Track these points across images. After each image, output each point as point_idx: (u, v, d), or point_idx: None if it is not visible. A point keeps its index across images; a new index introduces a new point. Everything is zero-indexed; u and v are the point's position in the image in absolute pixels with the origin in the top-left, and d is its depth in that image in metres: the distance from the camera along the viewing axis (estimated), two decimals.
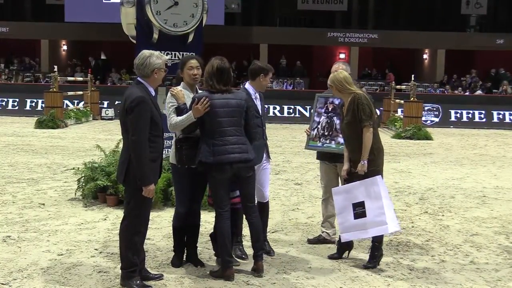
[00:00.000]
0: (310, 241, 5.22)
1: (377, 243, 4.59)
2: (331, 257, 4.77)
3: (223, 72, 4.18)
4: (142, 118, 3.80)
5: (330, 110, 5.00)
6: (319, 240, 5.19)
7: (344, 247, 4.78)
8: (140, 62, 3.94)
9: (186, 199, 4.39)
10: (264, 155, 4.74)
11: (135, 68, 3.98)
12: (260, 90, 4.73)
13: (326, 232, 5.19)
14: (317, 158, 5.23)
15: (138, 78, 4.00)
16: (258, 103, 4.69)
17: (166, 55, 6.59)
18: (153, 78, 3.96)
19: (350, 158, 4.61)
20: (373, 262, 4.58)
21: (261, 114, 4.72)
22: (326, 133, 4.99)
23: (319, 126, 5.02)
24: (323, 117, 5.00)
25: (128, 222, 3.95)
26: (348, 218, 4.50)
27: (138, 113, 3.78)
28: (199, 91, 4.40)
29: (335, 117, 4.94)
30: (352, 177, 4.57)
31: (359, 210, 4.45)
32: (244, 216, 4.52)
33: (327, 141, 4.98)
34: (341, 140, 4.86)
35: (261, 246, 4.35)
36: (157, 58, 3.95)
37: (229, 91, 4.20)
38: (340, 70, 4.73)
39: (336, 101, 4.96)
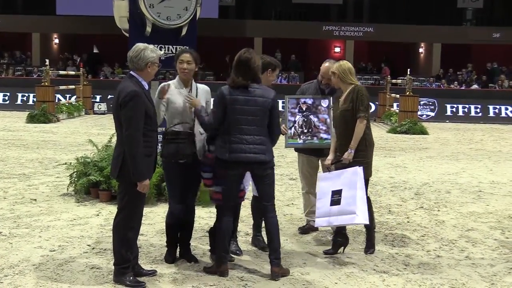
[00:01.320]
0: (301, 230, 5.37)
1: (374, 230, 4.80)
2: (326, 252, 4.76)
3: (242, 65, 4.07)
4: (136, 112, 3.75)
5: (304, 110, 5.07)
6: (308, 228, 5.35)
7: (339, 243, 4.77)
8: (134, 55, 3.89)
9: (179, 194, 4.35)
10: None
11: (129, 60, 3.93)
12: (266, 84, 4.66)
13: (312, 220, 5.27)
14: (296, 151, 5.30)
15: (131, 72, 3.94)
16: None
17: (160, 49, 6.53)
18: (146, 71, 3.92)
19: (337, 148, 4.67)
20: (372, 246, 4.77)
21: None
22: (305, 131, 5.07)
23: (296, 125, 5.08)
24: (298, 116, 5.06)
25: (122, 218, 3.91)
26: (325, 204, 4.53)
27: (132, 108, 3.73)
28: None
29: (311, 116, 5.03)
30: (337, 165, 4.63)
31: (336, 197, 4.47)
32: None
33: (309, 138, 5.07)
34: (323, 135, 4.97)
35: (275, 248, 4.17)
36: (152, 51, 3.90)
37: (253, 86, 4.07)
38: (345, 61, 4.77)
39: (309, 101, 5.04)
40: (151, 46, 3.95)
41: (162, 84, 4.41)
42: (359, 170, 4.44)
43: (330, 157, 4.74)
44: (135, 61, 3.89)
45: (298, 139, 5.09)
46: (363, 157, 4.58)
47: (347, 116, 4.55)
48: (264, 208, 4.29)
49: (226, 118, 4.05)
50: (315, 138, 5.05)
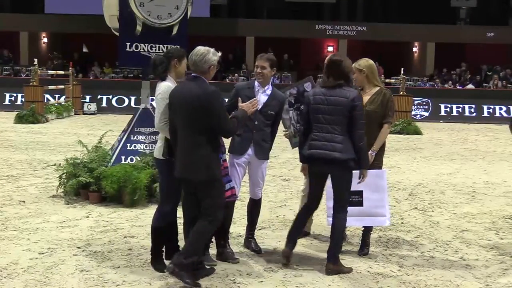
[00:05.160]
0: None
1: (370, 232, 4.84)
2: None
3: (333, 66, 4.26)
4: (224, 107, 4.04)
5: (293, 102, 4.93)
6: (302, 234, 5.10)
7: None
8: (199, 59, 4.00)
9: (173, 195, 4.28)
10: (253, 152, 4.62)
11: (192, 64, 4.03)
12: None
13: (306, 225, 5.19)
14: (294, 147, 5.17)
15: (193, 74, 4.03)
16: (259, 96, 4.60)
17: (150, 48, 6.46)
18: (209, 74, 4.07)
19: None
20: (366, 249, 4.77)
21: (262, 109, 4.62)
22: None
23: (293, 122, 4.95)
24: (291, 111, 4.93)
25: (210, 221, 3.95)
26: None
27: (222, 104, 3.99)
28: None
29: (302, 106, 4.80)
30: None
31: (355, 198, 4.52)
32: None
33: None
34: None
35: (334, 245, 4.31)
36: (213, 54, 4.05)
37: (338, 87, 4.23)
38: (366, 59, 4.81)
39: (294, 91, 4.93)
40: (212, 50, 4.07)
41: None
42: (385, 174, 4.58)
43: None
44: (200, 65, 4.00)
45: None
46: (379, 161, 4.71)
47: (372, 117, 4.59)
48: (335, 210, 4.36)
49: (309, 116, 4.31)
50: None
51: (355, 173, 4.39)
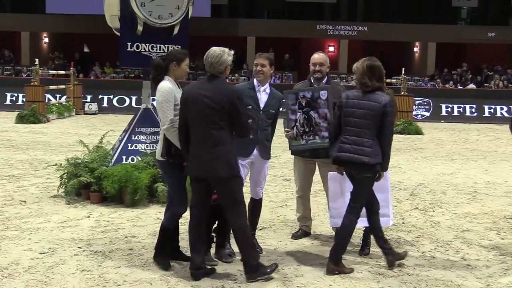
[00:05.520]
0: (294, 236, 5.22)
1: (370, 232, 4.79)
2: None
3: (377, 70, 4.33)
4: (245, 107, 4.22)
5: (304, 105, 4.83)
6: (302, 234, 5.23)
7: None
8: (215, 60, 4.05)
9: (185, 195, 4.31)
10: (258, 153, 4.63)
11: (209, 65, 4.08)
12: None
13: (305, 225, 5.23)
14: (293, 154, 5.15)
15: (210, 74, 4.09)
16: (260, 95, 4.64)
17: (151, 48, 6.47)
18: (225, 73, 4.15)
19: None
20: (367, 249, 4.75)
21: (264, 109, 4.65)
22: (307, 129, 4.85)
23: (297, 124, 4.85)
24: (298, 113, 4.84)
25: (242, 215, 4.08)
26: (343, 205, 4.53)
27: (243, 103, 4.13)
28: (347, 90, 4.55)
29: (311, 111, 4.79)
30: None
31: None
32: None
33: (311, 137, 4.81)
34: (325, 133, 4.78)
35: (338, 245, 4.35)
36: (228, 55, 4.12)
37: (373, 92, 4.29)
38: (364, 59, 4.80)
39: (308, 95, 4.80)
40: (226, 50, 4.13)
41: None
42: (388, 174, 4.56)
43: None
44: (216, 66, 4.06)
45: (301, 139, 4.86)
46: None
47: None
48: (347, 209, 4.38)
49: (340, 119, 4.35)
50: (317, 137, 4.82)
51: None
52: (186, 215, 5.36)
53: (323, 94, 4.81)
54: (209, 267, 4.22)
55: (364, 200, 4.35)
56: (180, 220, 4.41)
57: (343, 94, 4.41)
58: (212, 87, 4.02)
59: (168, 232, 4.32)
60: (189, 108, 4.03)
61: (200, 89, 4.04)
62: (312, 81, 5.06)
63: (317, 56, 5.08)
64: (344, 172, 4.46)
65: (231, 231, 4.33)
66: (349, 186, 4.54)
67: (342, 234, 4.34)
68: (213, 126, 3.97)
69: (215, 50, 4.11)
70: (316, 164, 5.13)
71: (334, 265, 4.28)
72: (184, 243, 4.69)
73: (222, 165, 3.97)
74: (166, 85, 4.23)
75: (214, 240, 4.54)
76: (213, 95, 3.97)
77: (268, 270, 4.10)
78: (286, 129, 4.90)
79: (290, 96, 4.88)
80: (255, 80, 4.70)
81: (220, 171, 3.97)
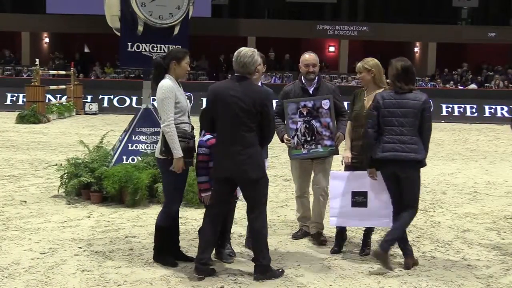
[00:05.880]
0: (294, 236, 5.22)
1: (372, 232, 4.85)
2: (333, 252, 4.79)
3: (410, 72, 4.39)
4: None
5: (305, 114, 4.84)
6: (302, 234, 5.22)
7: (340, 241, 4.82)
8: (248, 61, 4.06)
9: (180, 195, 4.35)
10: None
11: (241, 66, 4.08)
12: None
13: (305, 225, 5.22)
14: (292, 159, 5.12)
15: (238, 74, 4.09)
16: None
17: (152, 48, 6.47)
18: (254, 74, 4.20)
19: (355, 146, 4.67)
20: (368, 249, 4.75)
21: None
22: (308, 139, 4.86)
23: (298, 133, 4.86)
24: (299, 123, 4.84)
25: (264, 218, 4.14)
26: (344, 205, 4.57)
27: (273, 107, 4.24)
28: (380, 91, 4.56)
29: (313, 121, 4.78)
30: (355, 165, 4.66)
31: (359, 199, 4.56)
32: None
33: (313, 147, 4.83)
34: (327, 142, 4.80)
35: (392, 235, 4.37)
36: (258, 55, 4.20)
37: (410, 91, 4.36)
38: (372, 58, 4.84)
39: (309, 104, 4.78)
40: (255, 50, 4.17)
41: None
42: None
43: (348, 154, 4.69)
44: (249, 66, 4.08)
45: (302, 149, 4.85)
46: None
47: None
48: (403, 209, 4.40)
49: (381, 120, 4.37)
50: (319, 146, 4.82)
51: (362, 173, 4.50)
52: (186, 215, 5.38)
53: (325, 104, 4.80)
54: (211, 267, 4.22)
55: (419, 194, 4.43)
56: (180, 221, 4.41)
57: (377, 96, 4.42)
58: (242, 88, 4.03)
59: (163, 230, 4.33)
60: (218, 109, 4.05)
61: (230, 90, 4.04)
62: (304, 82, 5.01)
63: (308, 57, 5.00)
64: (377, 176, 4.46)
65: (250, 230, 4.28)
66: (351, 186, 4.54)
67: (400, 226, 4.37)
68: (244, 128, 4.00)
69: (246, 50, 4.11)
70: (313, 165, 5.09)
71: (382, 251, 4.31)
72: (184, 243, 4.70)
73: (253, 167, 4.02)
74: (167, 82, 4.23)
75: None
76: (244, 96, 3.99)
77: (277, 273, 4.13)
78: (286, 137, 4.89)
79: (290, 105, 4.86)
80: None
81: (251, 172, 4.02)
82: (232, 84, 4.09)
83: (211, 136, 4.29)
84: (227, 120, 4.01)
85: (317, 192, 5.04)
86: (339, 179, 4.64)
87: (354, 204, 4.55)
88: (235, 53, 4.13)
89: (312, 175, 5.11)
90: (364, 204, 4.56)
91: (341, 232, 4.84)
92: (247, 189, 4.12)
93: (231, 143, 4.01)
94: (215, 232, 4.16)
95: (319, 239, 5.03)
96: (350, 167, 4.70)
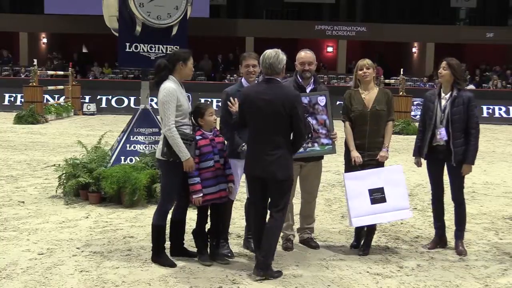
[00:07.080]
0: (285, 249, 4.88)
1: (374, 232, 4.89)
2: (353, 246, 4.91)
3: (458, 72, 4.76)
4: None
5: None
6: (292, 244, 4.91)
7: (360, 235, 4.90)
8: (274, 60, 4.11)
9: (175, 195, 4.37)
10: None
11: (268, 66, 4.13)
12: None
13: (292, 234, 4.93)
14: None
15: (267, 76, 4.13)
16: None
17: (150, 48, 6.46)
18: (282, 74, 4.22)
19: (363, 145, 4.71)
20: (367, 249, 4.79)
21: None
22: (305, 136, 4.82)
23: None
24: None
25: (282, 217, 4.20)
26: (363, 204, 4.61)
27: (303, 107, 4.27)
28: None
29: (309, 118, 4.69)
30: (366, 163, 4.71)
31: (377, 195, 4.62)
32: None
33: (309, 145, 4.70)
34: (324, 140, 4.72)
35: (462, 226, 4.96)
36: (283, 54, 4.21)
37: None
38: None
39: (305, 100, 4.66)
40: (279, 50, 4.20)
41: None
42: (401, 168, 4.80)
43: (356, 154, 4.69)
44: (276, 66, 4.12)
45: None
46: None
47: (383, 115, 4.75)
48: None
49: (425, 117, 4.83)
50: (316, 144, 4.71)
51: (374, 170, 4.65)
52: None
53: (321, 100, 4.70)
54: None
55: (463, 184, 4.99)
56: (188, 225, 4.45)
57: (425, 95, 4.85)
58: (272, 91, 4.09)
59: (159, 229, 4.36)
60: (248, 111, 4.13)
61: (259, 93, 4.11)
62: (300, 79, 4.83)
63: (304, 55, 4.84)
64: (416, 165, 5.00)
65: (266, 227, 4.21)
66: (366, 184, 4.60)
67: (461, 217, 4.98)
68: (273, 130, 4.07)
69: (270, 51, 4.18)
70: (300, 165, 4.75)
71: (461, 242, 4.83)
72: (187, 243, 4.69)
73: (280, 168, 4.08)
74: (170, 85, 4.23)
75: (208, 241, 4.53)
76: (274, 99, 4.04)
77: (276, 274, 4.15)
78: None
79: None
80: (244, 81, 4.65)
81: (278, 173, 4.08)
82: (262, 87, 4.17)
83: (201, 137, 4.32)
84: (258, 123, 4.11)
85: (308, 198, 4.92)
86: (354, 179, 4.64)
87: (374, 201, 4.61)
88: (260, 57, 4.23)
89: (298, 180, 4.86)
90: (383, 199, 4.62)
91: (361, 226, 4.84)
92: (273, 189, 4.19)
93: (261, 144, 4.11)
94: (262, 229, 4.21)
95: (310, 245, 4.92)
96: (361, 166, 4.68)
